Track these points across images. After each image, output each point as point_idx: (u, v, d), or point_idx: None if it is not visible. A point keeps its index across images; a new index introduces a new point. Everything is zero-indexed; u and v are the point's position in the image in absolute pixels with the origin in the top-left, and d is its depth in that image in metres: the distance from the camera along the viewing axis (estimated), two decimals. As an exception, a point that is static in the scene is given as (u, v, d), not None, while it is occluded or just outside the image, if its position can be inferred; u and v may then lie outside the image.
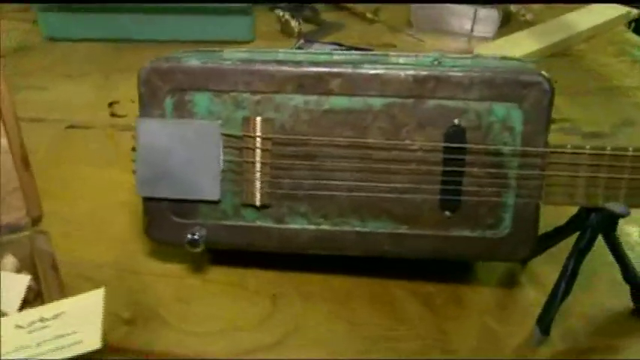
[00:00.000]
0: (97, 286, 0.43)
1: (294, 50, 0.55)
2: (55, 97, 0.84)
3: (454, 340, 0.51)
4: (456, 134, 0.50)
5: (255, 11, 1.00)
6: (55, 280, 0.50)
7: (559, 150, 0.50)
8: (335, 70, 0.50)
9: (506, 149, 0.50)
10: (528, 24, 1.13)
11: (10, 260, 0.51)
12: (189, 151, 0.52)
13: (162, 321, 0.52)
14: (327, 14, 1.12)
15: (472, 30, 1.08)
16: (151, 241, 0.55)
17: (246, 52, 0.53)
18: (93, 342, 0.42)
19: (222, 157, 0.52)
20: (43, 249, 0.52)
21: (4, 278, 0.49)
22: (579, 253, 0.50)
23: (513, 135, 0.50)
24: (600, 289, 0.56)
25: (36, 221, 0.53)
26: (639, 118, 0.87)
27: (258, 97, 0.51)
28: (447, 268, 0.57)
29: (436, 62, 0.52)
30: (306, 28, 1.06)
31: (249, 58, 0.52)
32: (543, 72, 0.51)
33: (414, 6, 1.10)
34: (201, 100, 0.52)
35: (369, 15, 1.12)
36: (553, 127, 0.83)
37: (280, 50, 0.53)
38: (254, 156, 0.52)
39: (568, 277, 0.51)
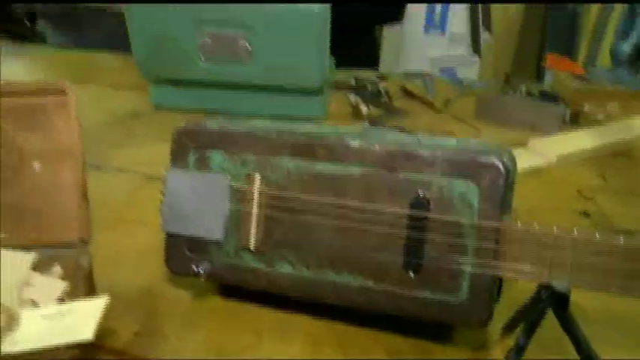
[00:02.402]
0: (120, 302, 0.53)
1: (312, 125, 0.64)
2: (146, 154, 0.99)
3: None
4: (420, 204, 0.56)
5: (329, 93, 1.12)
6: (87, 290, 0.62)
7: (511, 227, 0.53)
8: (322, 141, 0.59)
9: (464, 222, 0.55)
10: (598, 124, 1.14)
11: (57, 269, 0.63)
12: (204, 197, 0.63)
13: (164, 336, 0.61)
14: (398, 101, 1.21)
15: (534, 124, 1.11)
16: (168, 269, 0.65)
17: (269, 122, 0.64)
18: (87, 335, 0.52)
19: (228, 206, 0.62)
20: (84, 265, 0.64)
21: (48, 280, 0.61)
22: (529, 327, 0.53)
23: (472, 210, 0.55)
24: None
25: (84, 242, 0.66)
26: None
27: (259, 158, 0.61)
28: (422, 325, 0.61)
29: (416, 140, 0.59)
30: (376, 112, 1.16)
31: (259, 126, 0.62)
32: (505, 155, 0.55)
33: (479, 98, 1.16)
34: (216, 157, 0.62)
35: (437, 105, 1.20)
36: (585, 220, 0.85)
37: (301, 124, 0.63)
38: (252, 207, 0.61)
39: (517, 350, 0.53)
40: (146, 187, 0.89)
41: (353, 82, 1.26)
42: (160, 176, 0.91)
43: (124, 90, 1.23)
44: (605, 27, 2.11)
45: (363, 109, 1.14)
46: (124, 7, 1.03)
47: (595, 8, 2.14)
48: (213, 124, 0.63)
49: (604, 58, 2.09)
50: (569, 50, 2.11)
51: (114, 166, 0.95)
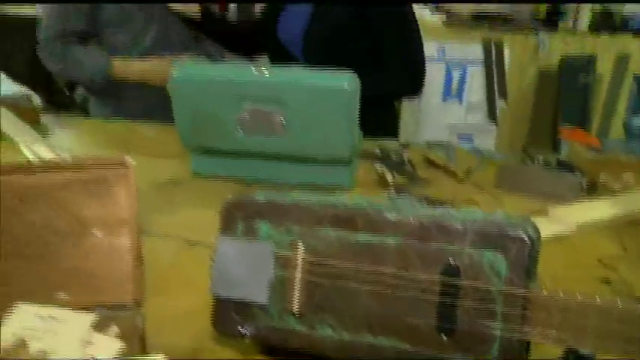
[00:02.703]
0: (169, 356, 0.58)
1: (350, 197, 0.70)
2: (185, 219, 1.05)
3: None
4: (451, 272, 0.61)
5: (357, 162, 1.18)
6: (141, 350, 0.66)
7: (537, 295, 0.58)
8: (361, 214, 0.65)
9: (493, 289, 0.60)
10: (614, 194, 1.19)
11: (113, 329, 0.68)
12: (250, 264, 0.68)
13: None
14: (422, 170, 1.27)
15: (553, 193, 1.16)
16: (215, 330, 0.70)
17: (311, 194, 0.69)
18: None
19: (273, 271, 0.67)
20: (139, 326, 0.69)
21: (106, 339, 0.66)
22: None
23: (499, 278, 0.59)
24: None
25: (138, 304, 0.71)
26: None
27: (302, 228, 0.66)
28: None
29: (446, 213, 0.64)
30: (401, 181, 1.21)
31: (303, 198, 0.68)
32: (529, 229, 0.60)
33: (499, 167, 1.22)
34: (263, 226, 0.68)
35: (460, 174, 1.26)
36: (606, 287, 0.89)
37: (339, 196, 0.69)
38: (295, 273, 0.66)
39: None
40: (188, 252, 0.94)
41: (378, 152, 1.33)
42: (200, 241, 0.97)
43: (163, 158, 1.30)
44: (615, 101, 2.19)
45: (389, 177, 1.20)
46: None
47: (605, 83, 2.22)
48: (260, 196, 0.69)
49: (616, 130, 2.16)
50: (581, 122, 2.18)
51: (156, 232, 1.01)
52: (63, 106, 2.31)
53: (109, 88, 1.68)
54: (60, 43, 1.63)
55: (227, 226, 0.70)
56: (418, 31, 1.52)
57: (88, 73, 1.65)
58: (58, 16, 1.63)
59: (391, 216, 0.64)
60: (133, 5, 1.63)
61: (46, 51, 1.65)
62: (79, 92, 2.48)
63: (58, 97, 2.44)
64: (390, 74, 1.50)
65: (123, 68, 1.64)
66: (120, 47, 1.66)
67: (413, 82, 1.54)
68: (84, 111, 2.39)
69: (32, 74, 2.32)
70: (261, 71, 1.09)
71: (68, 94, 2.65)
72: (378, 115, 1.55)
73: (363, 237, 0.64)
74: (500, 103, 2.36)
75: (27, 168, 0.74)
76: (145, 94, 1.68)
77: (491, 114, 2.37)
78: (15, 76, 1.66)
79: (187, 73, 1.12)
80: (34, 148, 1.12)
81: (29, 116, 1.33)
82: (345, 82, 1.05)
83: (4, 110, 1.26)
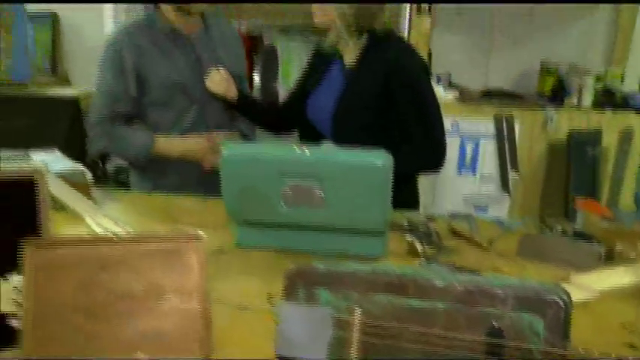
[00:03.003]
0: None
1: (400, 266, 0.78)
2: (231, 286, 1.13)
3: None
4: (495, 333, 0.68)
5: (388, 234, 1.27)
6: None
7: (574, 353, 0.65)
8: (412, 281, 0.73)
9: (533, 348, 0.67)
10: (631, 262, 1.26)
11: (186, 385, 0.75)
12: (311, 327, 0.75)
13: None
14: (448, 241, 1.35)
15: (572, 261, 1.23)
16: (278, 387, 0.76)
17: (366, 264, 0.78)
18: None
19: (331, 333, 0.75)
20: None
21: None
22: None
23: (539, 338, 0.67)
24: None
25: (207, 362, 0.78)
26: None
27: (358, 294, 0.74)
28: None
29: (488, 280, 0.72)
30: (429, 251, 1.29)
31: (359, 268, 0.76)
32: (562, 294, 0.68)
33: (521, 237, 1.30)
34: (323, 293, 0.76)
35: (484, 244, 1.33)
36: (631, 351, 0.95)
37: (388, 266, 0.77)
38: (352, 334, 0.74)
39: None
40: (240, 315, 1.02)
41: (405, 223, 1.41)
42: (249, 306, 1.04)
43: (207, 229, 1.39)
44: (622, 173, 2.30)
45: (419, 247, 1.28)
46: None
47: (612, 155, 2.34)
48: (320, 266, 0.77)
49: (624, 200, 2.26)
50: (591, 192, 2.28)
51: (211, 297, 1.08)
52: (96, 179, 2.42)
53: (151, 163, 1.79)
54: (109, 124, 1.76)
55: (290, 292, 0.78)
56: (439, 107, 1.63)
57: (134, 151, 1.77)
58: (108, 100, 1.76)
59: (439, 283, 0.72)
60: (176, 89, 1.76)
61: (95, 131, 1.78)
62: (112, 165, 2.60)
63: (90, 168, 2.56)
64: (416, 150, 1.61)
65: (165, 146, 1.76)
66: (162, 126, 1.79)
67: (437, 157, 1.64)
68: (117, 182, 2.50)
69: (66, 149, 2.45)
70: (302, 150, 1.19)
71: (101, 166, 2.77)
72: (402, 189, 1.64)
73: (413, 302, 0.72)
74: (512, 175, 2.46)
75: (109, 240, 0.82)
76: (183, 169, 1.79)
77: (504, 185, 2.47)
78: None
79: (236, 151, 1.22)
80: (97, 220, 1.22)
81: (83, 190, 1.43)
82: (379, 160, 1.15)
83: (66, 185, 1.37)
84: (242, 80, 1.95)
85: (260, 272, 1.20)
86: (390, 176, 1.17)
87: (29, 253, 0.78)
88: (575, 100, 2.48)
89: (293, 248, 1.25)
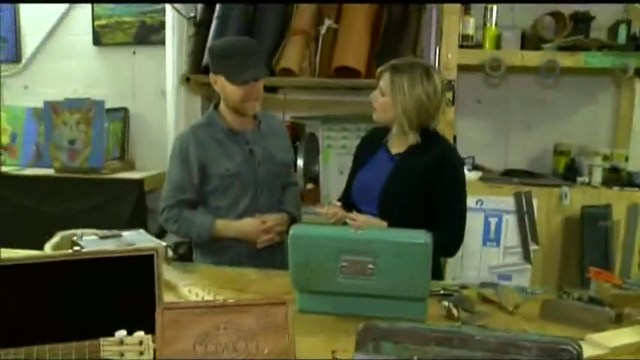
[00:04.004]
0: None
1: (446, 326, 0.97)
2: (299, 345, 1.31)
3: None
4: (524, 376, 0.86)
5: (428, 300, 1.45)
6: None
7: (585, 390, 0.82)
8: (456, 335, 0.91)
9: (553, 387, 0.84)
10: (638, 323, 1.42)
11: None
12: (378, 372, 0.94)
13: None
14: (479, 306, 1.52)
15: (587, 323, 1.40)
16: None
17: (417, 323, 0.97)
18: None
19: (395, 377, 0.93)
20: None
21: None
22: None
23: (557, 379, 0.85)
24: None
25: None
26: None
27: (415, 345, 0.93)
28: None
29: (517, 336, 0.90)
30: (463, 315, 1.47)
31: (415, 325, 0.95)
32: (575, 345, 0.86)
33: (543, 303, 1.47)
34: (387, 345, 0.95)
35: (510, 309, 1.51)
36: None
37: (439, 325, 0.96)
38: (412, 378, 0.92)
39: None
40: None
41: (441, 291, 1.60)
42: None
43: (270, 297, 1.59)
44: (632, 244, 2.46)
45: (454, 312, 1.45)
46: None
47: (622, 228, 2.51)
48: (384, 324, 0.97)
49: (635, 269, 2.42)
50: (604, 262, 2.44)
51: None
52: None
53: (211, 242, 2.01)
54: (177, 209, 2.00)
55: (360, 345, 0.97)
56: (466, 199, 1.82)
57: (197, 232, 2.00)
58: (176, 189, 2.01)
59: (477, 336, 0.90)
60: (232, 179, 1.99)
61: (166, 216, 2.01)
62: (170, 240, 2.84)
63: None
64: (444, 236, 1.71)
65: (223, 228, 1.99)
66: (221, 211, 2.01)
67: (457, 245, 1.82)
68: (179, 256, 2.72)
69: (131, 225, 2.68)
70: (357, 231, 1.41)
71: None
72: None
73: (458, 351, 0.91)
74: (532, 246, 2.63)
75: (217, 304, 1.03)
76: (238, 247, 2.00)
77: (526, 256, 2.63)
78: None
79: (302, 232, 1.44)
80: (192, 289, 1.43)
81: (167, 264, 1.65)
82: (422, 238, 1.36)
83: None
84: (289, 166, 2.18)
85: (322, 333, 1.38)
86: (431, 252, 1.37)
87: (160, 314, 0.99)
88: (586, 179, 2.67)
89: (348, 313, 1.44)
